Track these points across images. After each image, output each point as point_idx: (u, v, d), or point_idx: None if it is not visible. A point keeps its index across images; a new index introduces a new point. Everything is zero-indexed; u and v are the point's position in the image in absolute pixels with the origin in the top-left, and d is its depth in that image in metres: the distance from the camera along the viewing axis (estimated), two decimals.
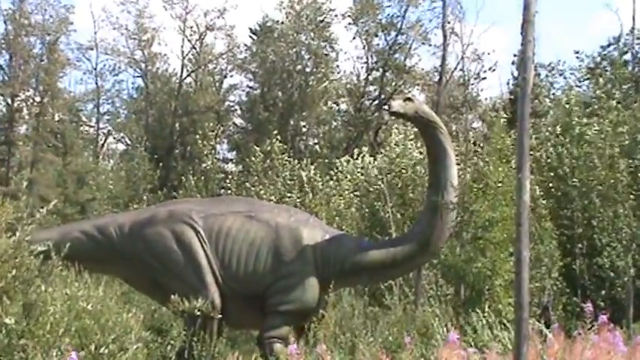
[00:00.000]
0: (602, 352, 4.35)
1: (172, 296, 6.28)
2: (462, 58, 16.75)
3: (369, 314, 7.55)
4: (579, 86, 19.11)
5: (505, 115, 11.10)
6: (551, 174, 11.46)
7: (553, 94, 19.32)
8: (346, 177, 14.45)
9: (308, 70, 25.77)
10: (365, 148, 16.32)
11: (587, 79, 19.25)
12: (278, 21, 26.27)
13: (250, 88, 27.98)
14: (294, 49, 25.65)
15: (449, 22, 16.76)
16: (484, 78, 23.22)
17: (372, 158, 15.03)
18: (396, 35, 25.96)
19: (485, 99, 24.93)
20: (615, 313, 8.04)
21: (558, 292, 9.51)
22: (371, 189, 13.35)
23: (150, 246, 6.70)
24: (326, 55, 26.03)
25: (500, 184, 8.48)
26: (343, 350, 6.06)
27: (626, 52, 19.37)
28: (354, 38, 26.54)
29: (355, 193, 13.95)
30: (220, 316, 6.46)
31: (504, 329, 6.29)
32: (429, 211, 6.96)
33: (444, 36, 16.30)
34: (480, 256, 8.14)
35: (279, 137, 17.66)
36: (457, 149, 10.74)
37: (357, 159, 15.42)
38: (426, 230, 6.86)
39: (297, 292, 6.54)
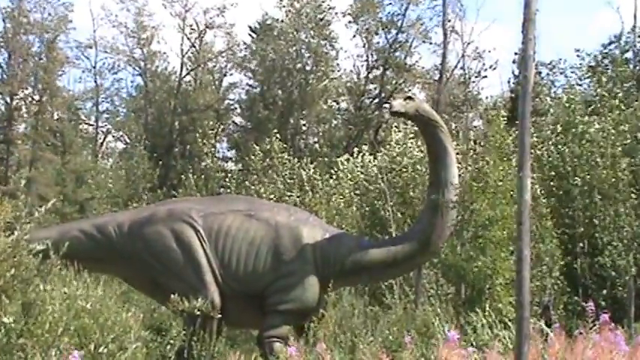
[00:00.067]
0: (603, 352, 4.33)
1: (172, 295, 6.26)
2: (463, 56, 16.78)
3: (370, 313, 7.53)
4: (580, 85, 19.08)
5: (504, 114, 11.07)
6: (553, 173, 11.44)
7: (554, 92, 19.30)
8: (347, 176, 14.42)
9: (308, 68, 25.74)
10: (365, 147, 16.30)
11: (588, 77, 19.22)
12: (278, 19, 26.25)
13: (250, 86, 27.96)
14: (294, 48, 25.62)
15: (449, 21, 16.74)
16: (485, 76, 23.21)
17: (372, 157, 15.01)
18: (397, 33, 25.94)
19: (486, 97, 24.90)
20: (616, 313, 8.04)
21: (559, 291, 9.50)
22: (371, 188, 13.33)
23: (149, 245, 6.68)
24: (326, 53, 26.00)
25: (500, 183, 8.46)
26: (343, 350, 6.04)
27: (628, 51, 19.34)
28: (354, 36, 26.54)
29: (355, 192, 13.93)
30: (220, 315, 6.44)
31: (505, 328, 6.27)
32: (429, 210, 6.94)
33: (444, 34, 16.27)
34: (481, 255, 8.13)
35: (278, 136, 17.65)
36: (457, 148, 10.73)
37: (357, 158, 15.41)
38: (427, 229, 6.84)
39: (296, 291, 6.52)
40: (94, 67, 28.28)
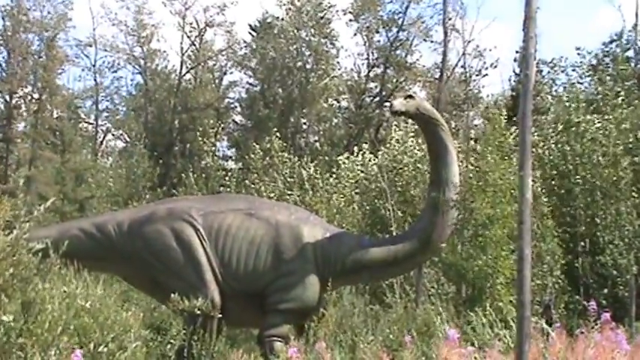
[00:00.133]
0: (605, 351, 4.32)
1: (172, 294, 6.24)
2: (463, 54, 16.74)
3: (370, 312, 7.52)
4: (581, 83, 19.04)
5: (504, 112, 11.05)
6: (554, 171, 11.42)
7: (555, 90, 19.27)
8: (348, 175, 14.40)
9: (308, 66, 25.70)
10: (366, 146, 16.28)
11: (589, 76, 19.19)
12: (278, 17, 26.22)
13: (250, 84, 27.94)
14: (295, 46, 25.58)
15: (450, 19, 16.72)
16: (486, 75, 23.19)
17: (372, 155, 15.00)
18: (398, 32, 25.91)
19: (487, 96, 24.89)
20: (617, 312, 8.02)
21: (560, 290, 9.48)
22: (372, 186, 13.31)
23: (149, 244, 6.66)
24: (326, 51, 25.96)
25: (500, 181, 8.44)
26: (344, 349, 6.03)
27: (629, 49, 19.30)
28: (355, 34, 26.51)
29: (356, 191, 13.91)
30: (220, 314, 6.43)
31: (506, 327, 6.26)
32: (430, 209, 6.92)
33: (445, 32, 16.24)
34: (481, 254, 8.11)
35: (278, 134, 17.63)
36: (458, 146, 10.71)
37: (357, 156, 15.39)
38: (427, 228, 6.82)
39: (297, 290, 6.50)
40: (94, 66, 28.28)
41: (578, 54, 20.12)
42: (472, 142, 11.58)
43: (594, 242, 10.39)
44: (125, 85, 30.74)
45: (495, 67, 22.69)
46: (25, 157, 23.28)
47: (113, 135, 30.15)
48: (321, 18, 25.72)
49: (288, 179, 15.70)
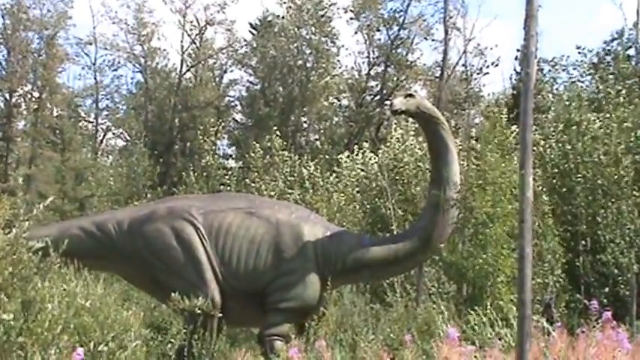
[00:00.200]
0: (606, 350, 4.30)
1: (172, 294, 6.23)
2: (464, 52, 16.73)
3: (371, 311, 7.51)
4: (582, 81, 19.02)
5: (505, 111, 11.03)
6: (555, 170, 11.40)
7: (556, 89, 19.24)
8: (350, 174, 14.39)
9: (309, 65, 25.68)
10: (366, 144, 16.27)
11: (590, 74, 19.16)
12: (279, 15, 26.19)
13: (250, 83, 27.93)
14: (295, 44, 25.55)
15: (450, 17, 16.71)
16: (486, 73, 23.14)
17: (372, 154, 14.99)
18: (398, 30, 25.87)
19: (488, 94, 24.85)
20: (618, 310, 8.00)
21: (561, 289, 9.47)
22: (372, 185, 13.30)
23: (149, 243, 6.65)
24: (327, 50, 25.93)
25: (500, 179, 8.42)
26: (344, 348, 6.02)
27: (630, 47, 19.26)
28: (355, 33, 26.48)
29: (356, 189, 13.90)
30: (220, 313, 6.42)
31: (506, 326, 6.25)
32: (430, 208, 6.91)
33: (446, 31, 16.23)
34: (481, 253, 8.09)
35: (278, 133, 17.61)
36: (459, 145, 10.70)
37: (357, 155, 15.38)
38: (428, 226, 6.81)
39: (297, 289, 6.49)
40: (94, 64, 28.27)
41: (579, 52, 20.11)
42: (473, 141, 11.56)
43: (595, 241, 10.37)
44: (125, 84, 30.73)
45: (496, 65, 22.65)
46: (25, 156, 23.27)
47: (113, 134, 30.18)
48: (322, 16, 25.69)
49: (289, 178, 15.69)
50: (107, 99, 29.79)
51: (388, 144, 14.25)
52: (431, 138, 7.01)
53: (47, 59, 24.46)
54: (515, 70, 21.05)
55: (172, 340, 6.07)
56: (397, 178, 12.67)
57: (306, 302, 6.52)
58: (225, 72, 29.37)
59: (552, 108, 14.74)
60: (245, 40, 27.79)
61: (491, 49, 24.22)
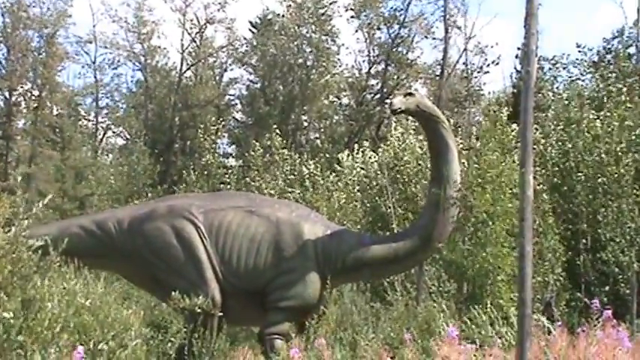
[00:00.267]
0: (606, 349, 4.30)
1: (172, 292, 6.23)
2: (465, 50, 16.72)
3: (371, 310, 7.50)
4: (582, 80, 19.01)
5: (505, 109, 11.01)
6: (556, 168, 11.40)
7: (557, 87, 19.21)
8: (351, 172, 14.39)
9: (309, 63, 25.66)
10: (366, 143, 16.26)
11: (590, 73, 19.14)
12: (279, 14, 26.17)
13: (251, 81, 27.91)
14: (295, 43, 25.54)
15: (451, 16, 16.69)
16: (487, 72, 23.10)
17: (373, 153, 14.97)
18: (399, 28, 25.85)
19: (488, 93, 24.82)
20: (618, 309, 8.00)
21: (561, 288, 9.47)
22: (373, 183, 13.29)
23: (149, 241, 6.64)
24: (327, 48, 25.91)
25: (498, 178, 8.41)
26: (344, 347, 6.02)
27: (630, 46, 19.23)
28: (356, 31, 26.45)
29: (357, 188, 13.89)
30: (221, 312, 6.41)
31: (507, 325, 6.25)
32: (431, 206, 6.90)
33: (446, 29, 16.22)
34: (481, 251, 8.09)
35: (278, 131, 17.61)
36: (460, 143, 10.69)
37: (357, 154, 15.37)
38: (428, 225, 6.80)
39: (298, 288, 6.49)
40: (94, 63, 28.25)
41: (579, 51, 20.09)
42: (473, 140, 11.55)
43: (596, 239, 10.37)
44: (125, 82, 30.71)
45: (497, 64, 22.60)
46: (24, 155, 23.26)
47: (113, 132, 30.16)
48: (322, 15, 25.67)
49: (289, 176, 15.69)
50: (107, 97, 29.80)
51: (388, 142, 14.23)
52: (431, 136, 7.00)
53: (47, 58, 24.44)
54: (515, 68, 21.03)
55: (172, 339, 6.07)
56: (397, 176, 12.65)
57: (306, 301, 6.51)
58: (226, 70, 29.39)
59: (552, 107, 14.72)
60: (245, 39, 27.80)
61: (491, 47, 24.16)
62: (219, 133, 22.98)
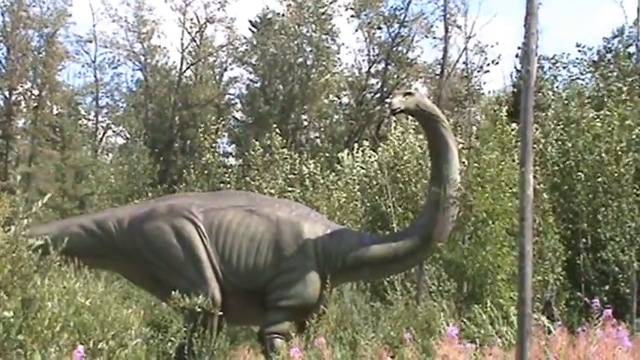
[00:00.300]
0: (606, 348, 4.30)
1: (172, 292, 6.23)
2: (465, 50, 16.69)
3: (371, 310, 7.50)
4: (582, 79, 19.01)
5: (505, 109, 11.01)
6: (556, 168, 11.40)
7: (557, 87, 19.22)
8: (351, 172, 14.38)
9: (309, 63, 25.65)
10: (366, 142, 16.25)
11: (590, 72, 19.14)
12: (279, 13, 26.16)
13: (251, 81, 27.90)
14: (295, 42, 25.53)
15: (451, 15, 16.67)
16: (487, 71, 23.08)
17: (373, 152, 14.97)
18: (399, 28, 25.83)
19: (489, 92, 24.81)
20: (618, 308, 8.00)
21: (561, 287, 9.47)
22: (374, 182, 13.28)
23: (149, 241, 6.64)
24: (327, 47, 25.90)
25: (497, 177, 8.41)
26: (344, 346, 6.02)
27: (631, 45, 19.22)
28: (356, 30, 26.44)
29: (357, 187, 13.88)
30: (221, 311, 6.41)
31: (507, 324, 6.25)
32: (431, 205, 6.90)
33: (446, 28, 16.19)
34: (481, 250, 8.09)
35: (278, 131, 17.60)
36: (461, 143, 10.69)
37: (357, 153, 15.36)
38: (428, 224, 6.80)
39: (297, 287, 6.49)
40: (94, 62, 28.22)
41: (579, 50, 20.08)
42: (473, 139, 11.55)
43: (596, 239, 10.37)
44: (125, 82, 30.69)
45: (497, 63, 22.57)
46: (24, 154, 23.25)
47: (113, 131, 30.13)
48: (322, 14, 25.65)
49: (289, 176, 15.69)
50: (107, 97, 29.77)
51: (388, 142, 14.23)
52: (431, 136, 7.01)
53: (47, 57, 24.42)
54: (515, 67, 21.02)
55: (173, 338, 6.06)
56: (397, 176, 12.65)
57: (306, 300, 6.51)
58: (226, 70, 29.36)
59: (552, 106, 14.72)
60: (245, 38, 27.78)
61: (491, 46, 24.11)
62: (219, 133, 22.98)
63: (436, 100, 14.05)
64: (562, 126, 12.01)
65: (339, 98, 27.69)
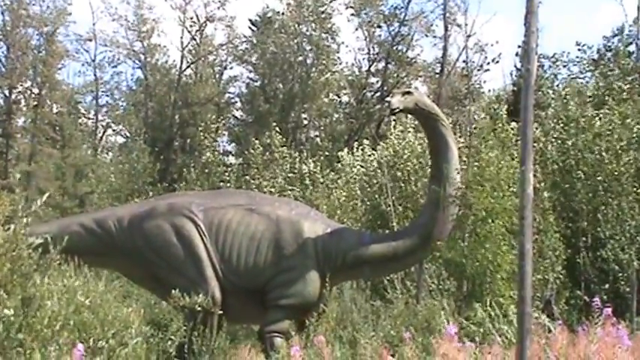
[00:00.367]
0: (607, 346, 4.30)
1: (172, 291, 6.23)
2: (465, 48, 16.69)
3: (371, 308, 7.50)
4: (582, 78, 19.00)
5: (504, 107, 11.01)
6: (556, 166, 11.39)
7: (557, 85, 19.21)
8: (352, 170, 14.38)
9: (309, 61, 25.64)
10: (366, 141, 16.25)
11: (589, 71, 19.13)
12: (279, 12, 26.15)
13: (251, 79, 27.88)
14: (295, 41, 25.51)
15: (451, 14, 16.68)
16: (487, 70, 23.07)
17: (373, 151, 14.96)
18: (399, 26, 25.82)
19: (489, 90, 24.80)
20: (618, 307, 8.00)
21: (561, 286, 9.46)
22: (374, 181, 13.28)
23: (149, 240, 6.65)
24: (327, 46, 25.88)
25: (496, 175, 8.39)
26: (344, 345, 6.02)
27: (630, 43, 19.21)
28: (356, 29, 26.43)
29: (357, 186, 13.88)
30: (221, 310, 6.41)
31: (507, 323, 6.25)
32: (430, 204, 6.91)
33: (445, 27, 16.21)
34: (480, 249, 8.08)
35: (278, 129, 17.60)
36: (461, 142, 10.67)
37: (357, 151, 15.36)
38: (428, 223, 6.81)
39: (297, 286, 6.49)
40: (94, 61, 28.21)
41: (579, 49, 20.07)
42: (474, 138, 11.53)
43: (596, 237, 10.36)
44: (125, 80, 30.74)
45: (497, 62, 22.57)
46: (24, 153, 23.25)
47: (113, 130, 30.13)
48: (322, 13, 25.63)
49: (289, 174, 15.69)
50: (107, 96, 29.77)
51: (388, 140, 14.22)
52: (430, 135, 7.01)
53: (47, 56, 24.41)
54: (515, 66, 21.00)
55: (173, 337, 6.06)
56: (397, 174, 12.65)
57: (306, 299, 6.52)
58: (225, 68, 29.34)
59: (552, 104, 14.72)
60: (245, 37, 27.75)
61: (491, 45, 24.10)
62: (219, 131, 22.99)
63: (436, 98, 14.06)
64: (562, 125, 12.00)
65: (339, 97, 27.69)
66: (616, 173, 10.52)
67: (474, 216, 8.22)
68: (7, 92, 23.70)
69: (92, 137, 27.41)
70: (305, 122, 26.46)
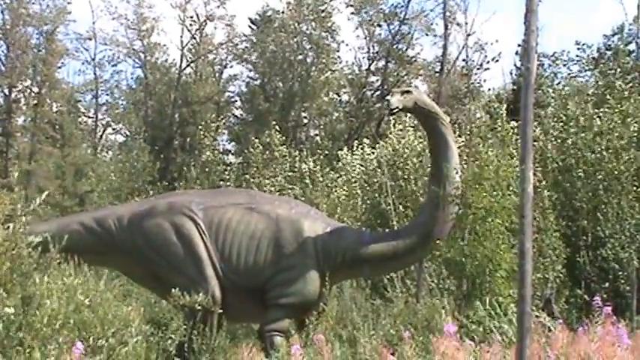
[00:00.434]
0: (607, 345, 4.30)
1: (172, 289, 6.23)
2: (464, 47, 16.71)
3: (371, 307, 7.50)
4: (582, 77, 19.01)
5: (504, 106, 11.00)
6: (555, 165, 11.38)
7: (557, 84, 19.21)
8: (353, 170, 14.37)
9: (309, 60, 25.64)
10: (367, 140, 16.25)
11: (589, 69, 19.14)
12: (278, 11, 26.15)
13: (250, 78, 27.88)
14: (295, 39, 25.51)
15: (451, 12, 16.67)
16: (487, 68, 23.07)
17: (372, 149, 14.96)
18: (399, 25, 25.81)
19: (488, 89, 24.80)
20: (618, 306, 8.01)
21: (561, 285, 9.46)
22: (374, 180, 13.27)
23: (149, 238, 6.65)
24: (327, 45, 25.88)
25: (494, 174, 8.38)
26: (344, 343, 6.02)
27: (630, 42, 19.21)
28: (356, 28, 26.44)
29: (356, 184, 13.88)
30: (220, 309, 6.42)
31: (507, 322, 6.25)
32: (430, 203, 6.90)
33: (445, 26, 16.21)
34: (480, 248, 8.07)
35: (278, 128, 17.60)
36: (461, 141, 10.67)
37: (357, 150, 15.36)
38: (428, 222, 6.81)
39: (297, 284, 6.49)
40: (94, 59, 28.22)
41: (579, 48, 20.08)
42: (473, 137, 11.53)
43: (596, 236, 10.36)
44: (125, 79, 30.85)
45: (497, 61, 22.57)
46: (24, 151, 23.26)
47: (113, 129, 30.15)
48: (322, 11, 25.62)
49: (289, 173, 15.69)
50: (107, 94, 29.79)
51: (388, 139, 14.22)
52: (430, 133, 7.00)
53: (47, 54, 24.41)
54: (515, 65, 21.01)
55: (172, 335, 6.07)
56: (397, 173, 12.64)
57: (306, 298, 6.52)
58: (225, 67, 29.35)
59: (552, 103, 14.71)
60: (245, 36, 27.75)
61: (491, 44, 24.11)
62: (218, 130, 22.99)
63: (436, 97, 14.06)
64: (562, 123, 11.99)
65: (338, 96, 27.69)
66: (616, 172, 10.51)
67: (474, 215, 8.21)
68: (6, 91, 23.71)
69: (92, 136, 27.42)
70: (305, 121, 26.46)
